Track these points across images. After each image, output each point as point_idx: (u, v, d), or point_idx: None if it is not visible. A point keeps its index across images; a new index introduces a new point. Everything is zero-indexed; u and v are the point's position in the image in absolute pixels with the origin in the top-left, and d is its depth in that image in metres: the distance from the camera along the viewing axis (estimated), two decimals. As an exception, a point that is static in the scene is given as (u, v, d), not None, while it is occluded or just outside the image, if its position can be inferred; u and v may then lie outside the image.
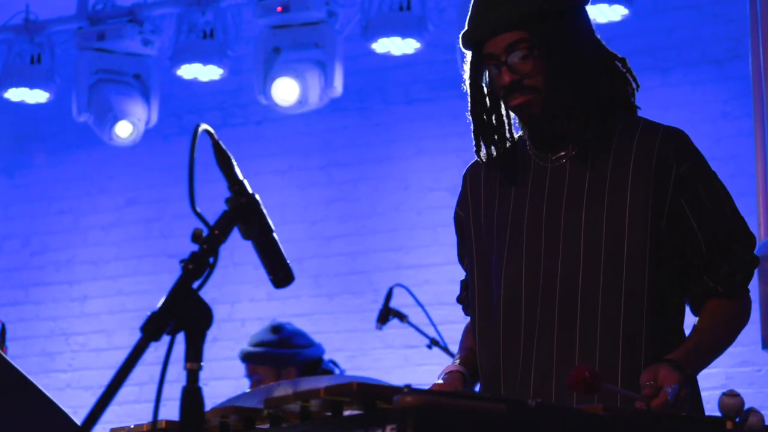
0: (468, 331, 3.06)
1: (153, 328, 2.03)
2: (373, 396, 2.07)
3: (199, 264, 2.09)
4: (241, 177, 2.19)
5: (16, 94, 7.59)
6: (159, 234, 8.16)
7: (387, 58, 7.10)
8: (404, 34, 6.79)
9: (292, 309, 7.49)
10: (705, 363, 2.77)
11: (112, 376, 2.01)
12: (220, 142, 2.19)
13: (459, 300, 3.12)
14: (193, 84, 7.51)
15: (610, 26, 6.49)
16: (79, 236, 8.38)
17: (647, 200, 2.77)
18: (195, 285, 2.09)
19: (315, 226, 7.76)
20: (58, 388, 8.03)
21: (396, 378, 6.44)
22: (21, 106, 7.77)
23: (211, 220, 2.17)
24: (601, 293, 2.75)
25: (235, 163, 2.20)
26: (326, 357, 5.81)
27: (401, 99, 7.72)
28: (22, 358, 8.12)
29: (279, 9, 6.91)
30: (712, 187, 2.84)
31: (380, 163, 7.71)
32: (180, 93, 8.00)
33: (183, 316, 2.06)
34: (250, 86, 7.32)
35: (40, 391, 2.33)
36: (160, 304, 2.05)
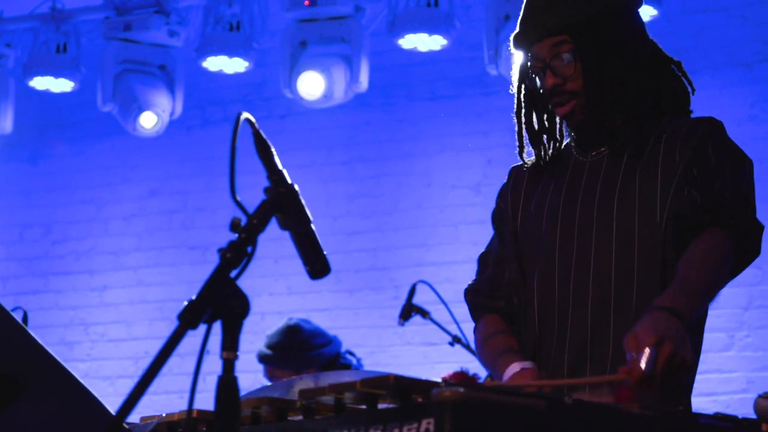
0: (495, 334, 3.02)
1: (190, 316, 2.01)
2: (410, 389, 2.06)
3: (237, 253, 2.08)
4: (280, 167, 2.18)
5: (41, 83, 7.61)
6: (180, 225, 8.16)
7: (412, 54, 7.09)
8: (431, 31, 6.78)
9: (312, 304, 7.49)
10: (699, 302, 2.63)
11: (149, 365, 2.00)
12: (261, 131, 2.18)
13: (470, 292, 3.11)
14: (218, 76, 7.51)
15: (638, 27, 6.46)
16: (100, 226, 8.38)
17: (673, 189, 2.78)
18: (233, 274, 2.08)
19: (337, 222, 7.75)
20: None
21: (414, 375, 6.40)
22: (45, 94, 7.79)
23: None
24: (635, 283, 2.77)
25: (275, 153, 2.19)
26: (342, 349, 5.79)
27: (426, 95, 7.71)
28: (40, 347, 8.12)
29: (306, 2, 6.91)
30: (729, 163, 2.78)
31: (403, 159, 7.70)
32: (205, 85, 8.01)
33: (220, 304, 2.04)
34: (275, 80, 7.31)
35: (71, 375, 2.32)
36: (197, 292, 2.03)
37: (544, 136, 2.97)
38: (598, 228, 2.82)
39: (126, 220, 8.33)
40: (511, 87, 2.98)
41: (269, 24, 7.39)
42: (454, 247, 7.33)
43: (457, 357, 6.13)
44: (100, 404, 2.33)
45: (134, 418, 2.69)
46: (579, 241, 2.84)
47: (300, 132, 7.93)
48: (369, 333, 7.45)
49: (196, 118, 8.17)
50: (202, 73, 7.49)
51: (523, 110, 2.96)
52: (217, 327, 2.06)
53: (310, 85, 6.98)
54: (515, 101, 2.97)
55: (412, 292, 5.95)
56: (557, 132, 2.98)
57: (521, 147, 2.98)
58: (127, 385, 7.90)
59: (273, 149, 2.19)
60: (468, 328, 6.02)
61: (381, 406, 2.14)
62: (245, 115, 2.12)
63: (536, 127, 2.96)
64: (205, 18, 7.28)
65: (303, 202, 2.20)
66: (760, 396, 2.33)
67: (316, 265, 2.21)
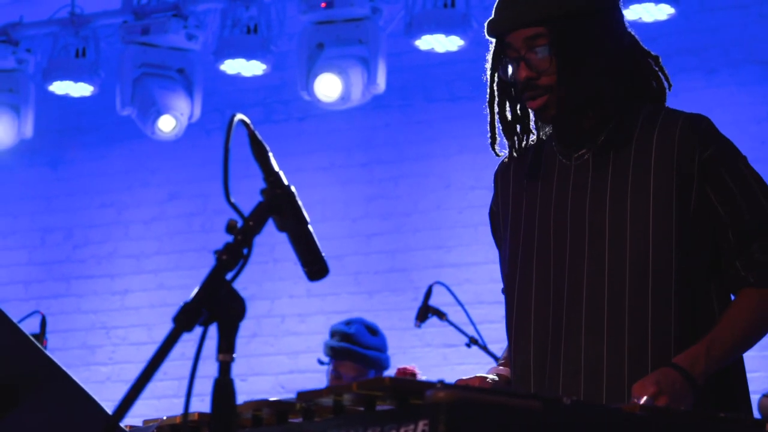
0: None
1: (185, 318, 2.01)
2: (406, 391, 2.05)
3: (234, 255, 2.07)
4: (276, 168, 2.17)
5: (60, 87, 7.64)
6: (200, 228, 8.17)
7: (430, 55, 7.08)
8: (448, 32, 6.78)
9: (332, 306, 7.48)
10: (722, 360, 2.69)
11: (144, 367, 2.00)
12: (256, 133, 2.16)
13: (504, 292, 3.12)
14: (236, 79, 7.52)
15: (656, 25, 6.44)
16: (121, 230, 8.40)
17: (671, 190, 2.74)
18: (229, 276, 2.07)
19: (356, 224, 7.74)
20: (98, 381, 8.07)
21: (434, 377, 6.38)
22: (65, 99, 7.81)
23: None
24: (627, 287, 2.72)
25: (271, 155, 2.17)
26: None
27: (444, 96, 7.69)
28: (63, 351, 8.16)
29: (323, 5, 6.91)
30: (738, 171, 2.77)
31: (422, 160, 7.69)
32: (223, 88, 8.02)
33: (216, 307, 2.03)
34: (293, 82, 7.31)
35: (72, 380, 2.32)
36: (193, 294, 2.03)
37: (518, 127, 2.88)
38: (591, 242, 2.76)
39: (146, 223, 8.35)
40: (483, 75, 2.90)
41: (286, 26, 7.39)
42: (474, 248, 7.30)
43: (476, 358, 6.12)
44: (100, 407, 2.33)
45: (137, 421, 2.70)
46: (571, 258, 2.77)
47: (319, 134, 7.93)
48: (389, 335, 7.40)
49: (215, 121, 8.18)
50: (221, 77, 7.49)
51: (497, 100, 2.88)
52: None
53: (327, 87, 6.98)
54: (488, 90, 2.89)
55: (428, 293, 5.94)
56: (530, 122, 2.89)
57: (493, 138, 2.90)
58: (148, 389, 7.93)
59: (269, 150, 2.18)
60: (485, 329, 6.02)
61: (379, 407, 2.13)
62: (239, 116, 2.11)
63: (509, 117, 2.88)
64: (223, 21, 7.28)
65: (300, 203, 2.18)
66: (764, 395, 2.31)
67: (314, 266, 2.19)
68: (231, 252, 2.08)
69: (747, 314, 2.73)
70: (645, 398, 2.49)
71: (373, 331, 5.67)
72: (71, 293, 8.43)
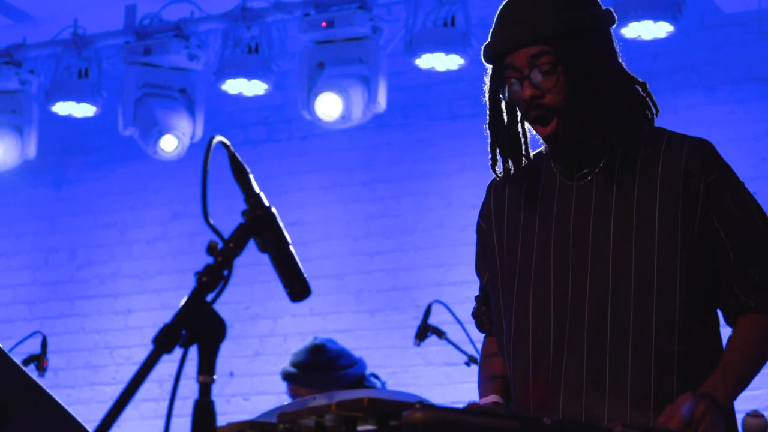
0: (490, 356, 3.03)
1: (165, 339, 2.02)
2: (385, 412, 2.06)
3: (214, 277, 2.09)
4: (257, 190, 2.18)
5: (63, 108, 7.65)
6: (203, 248, 8.15)
7: (431, 73, 7.09)
8: (448, 50, 6.78)
9: (334, 325, 7.49)
10: (739, 387, 2.70)
11: (123, 388, 2.01)
12: (237, 154, 2.18)
13: (474, 314, 3.10)
14: (238, 99, 7.53)
15: (656, 43, 6.44)
16: (124, 250, 8.42)
17: (676, 214, 2.73)
18: (209, 298, 2.08)
19: (358, 242, 7.75)
20: (102, 401, 8.07)
21: (436, 395, 6.40)
22: (68, 119, 7.84)
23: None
24: (632, 312, 2.70)
25: (251, 176, 2.19)
26: (367, 371, 5.78)
27: (445, 115, 7.71)
28: (66, 371, 8.17)
29: (323, 24, 6.93)
30: (740, 197, 2.79)
31: (423, 179, 7.70)
32: (225, 108, 8.04)
33: (196, 328, 2.04)
34: (295, 101, 7.33)
35: (56, 402, 2.33)
36: (173, 316, 2.04)
37: (517, 148, 2.86)
38: (593, 265, 2.74)
39: (149, 243, 8.37)
40: (482, 98, 2.89)
41: (288, 46, 7.40)
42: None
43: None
44: (78, 425, 2.34)
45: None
46: (573, 282, 2.76)
47: (320, 153, 7.95)
48: (391, 353, 7.44)
49: (218, 140, 8.20)
50: (223, 96, 7.51)
51: (496, 122, 2.86)
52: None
53: (328, 106, 6.98)
54: (488, 113, 2.87)
55: (427, 312, 5.94)
56: (524, 147, 2.87)
57: (494, 160, 2.88)
58: (151, 408, 7.95)
59: (249, 172, 2.19)
60: (484, 347, 6.01)
61: (360, 428, 2.14)
62: (218, 138, 2.12)
63: (509, 140, 2.86)
64: (224, 41, 7.30)
65: (281, 224, 2.19)
66: (747, 414, 2.30)
67: (296, 287, 2.20)
68: (211, 274, 2.09)
69: (753, 337, 2.74)
70: (687, 403, 2.50)
71: (316, 350, 5.54)
72: (75, 313, 8.45)
